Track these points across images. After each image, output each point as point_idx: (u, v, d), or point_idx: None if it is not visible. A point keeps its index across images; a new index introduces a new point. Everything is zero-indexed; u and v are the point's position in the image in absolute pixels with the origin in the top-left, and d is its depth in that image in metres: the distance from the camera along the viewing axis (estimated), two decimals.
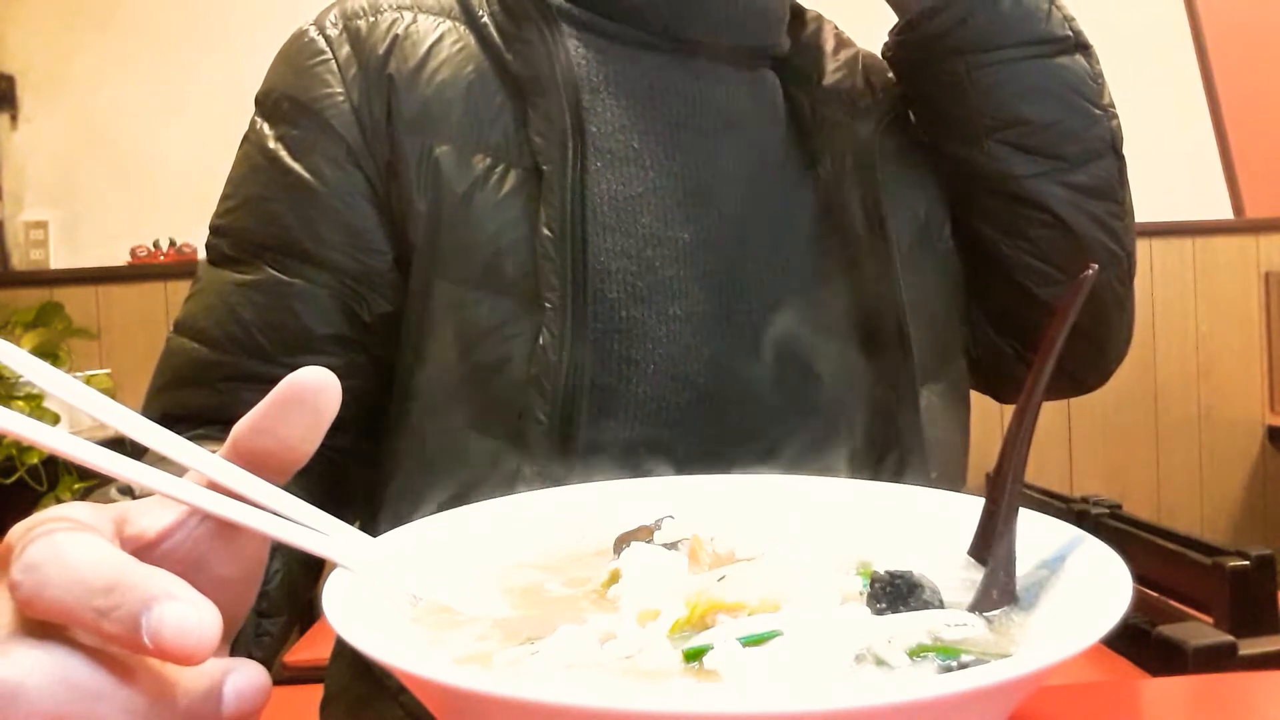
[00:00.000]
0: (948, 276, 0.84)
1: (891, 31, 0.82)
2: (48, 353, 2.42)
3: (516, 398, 0.69)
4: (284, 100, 0.75)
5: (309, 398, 0.38)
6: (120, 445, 0.39)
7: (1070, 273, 0.80)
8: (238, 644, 0.48)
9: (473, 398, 0.71)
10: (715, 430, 0.72)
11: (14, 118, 2.95)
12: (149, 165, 2.89)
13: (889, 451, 0.75)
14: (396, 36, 0.74)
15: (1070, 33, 0.79)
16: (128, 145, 2.91)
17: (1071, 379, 0.91)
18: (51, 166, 2.95)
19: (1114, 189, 0.81)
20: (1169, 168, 2.92)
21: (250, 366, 0.72)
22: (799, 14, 0.88)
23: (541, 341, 0.68)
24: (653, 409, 0.71)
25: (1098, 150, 0.79)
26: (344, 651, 0.83)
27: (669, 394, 0.71)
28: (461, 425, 0.71)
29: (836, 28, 0.91)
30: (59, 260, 2.94)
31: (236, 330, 0.72)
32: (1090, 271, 0.42)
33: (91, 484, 2.18)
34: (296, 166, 0.73)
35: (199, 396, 0.72)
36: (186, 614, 0.32)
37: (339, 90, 0.73)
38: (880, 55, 0.85)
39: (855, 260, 0.77)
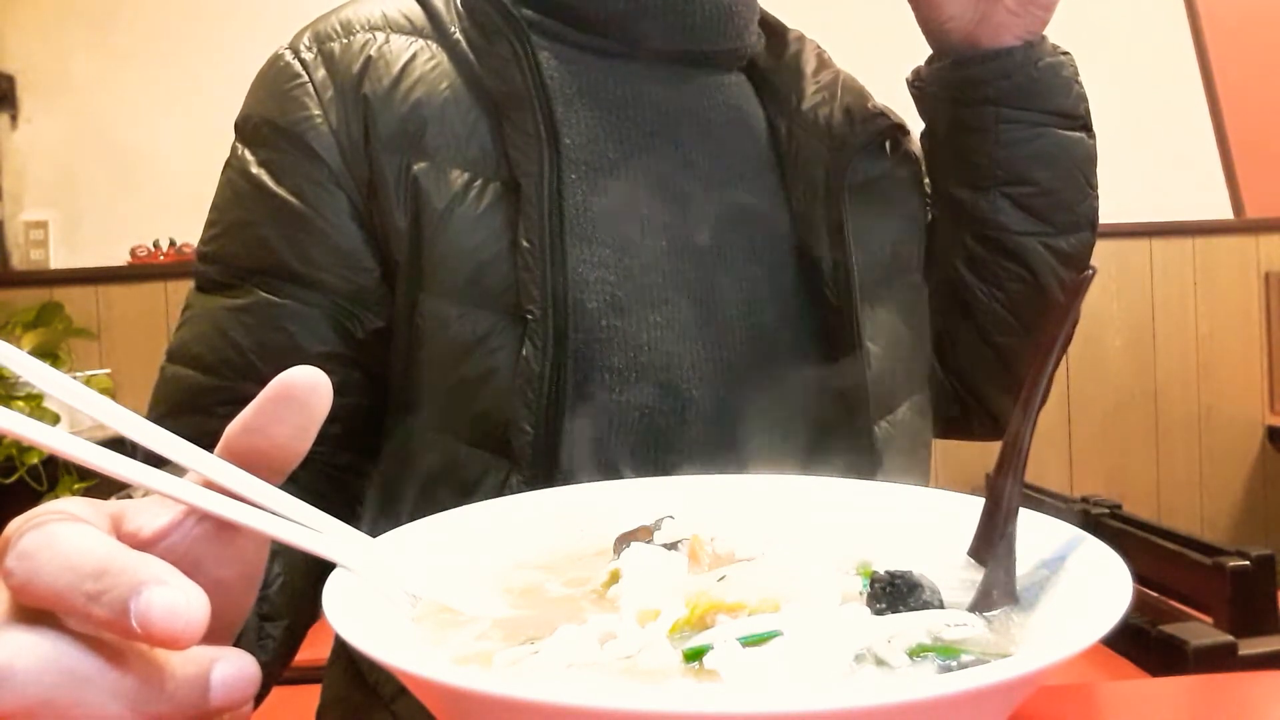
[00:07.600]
0: (915, 308, 0.86)
1: (928, 62, 0.86)
2: (48, 353, 2.42)
3: (502, 409, 0.69)
4: (263, 125, 0.75)
5: (300, 395, 0.38)
6: (120, 445, 0.39)
7: (1029, 326, 0.87)
8: (239, 647, 0.49)
9: (461, 410, 0.71)
10: (701, 437, 0.72)
11: (14, 118, 2.95)
12: (149, 165, 2.89)
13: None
14: (370, 58, 0.75)
15: (1084, 114, 0.85)
16: (128, 145, 2.91)
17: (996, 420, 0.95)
18: (51, 166, 2.95)
19: (1086, 260, 0.88)
20: (1169, 168, 2.92)
21: (246, 390, 0.70)
22: (781, 33, 0.89)
23: (524, 353, 0.68)
24: (638, 417, 0.71)
25: (1081, 223, 0.87)
26: (339, 659, 0.83)
27: (654, 402, 0.71)
28: (451, 437, 0.71)
29: (819, 47, 0.91)
30: (59, 260, 2.94)
31: (231, 354, 0.72)
32: (1090, 272, 0.42)
33: (91, 484, 2.18)
34: (280, 190, 0.73)
35: (197, 423, 0.71)
36: (175, 599, 0.32)
37: (317, 112, 0.73)
38: (906, 82, 0.88)
39: (820, 293, 0.78)
